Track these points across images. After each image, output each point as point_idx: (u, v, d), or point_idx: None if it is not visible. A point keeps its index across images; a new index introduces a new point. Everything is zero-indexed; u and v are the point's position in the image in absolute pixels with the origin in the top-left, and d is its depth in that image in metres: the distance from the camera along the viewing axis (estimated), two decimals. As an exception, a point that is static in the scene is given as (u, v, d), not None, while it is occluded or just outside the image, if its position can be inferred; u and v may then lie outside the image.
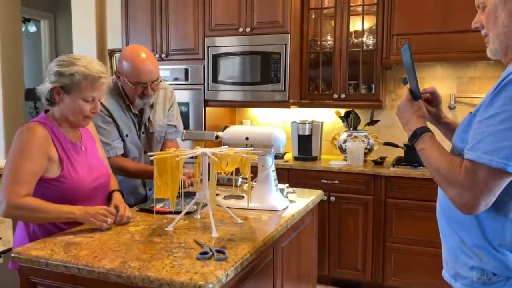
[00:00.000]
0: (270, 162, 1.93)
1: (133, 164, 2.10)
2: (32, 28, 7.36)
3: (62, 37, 6.77)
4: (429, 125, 1.39)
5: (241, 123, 4.00)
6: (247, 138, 1.93)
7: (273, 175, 1.95)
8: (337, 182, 3.20)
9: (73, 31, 4.48)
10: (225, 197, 2.06)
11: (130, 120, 2.13)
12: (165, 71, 3.64)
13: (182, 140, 2.08)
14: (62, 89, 1.65)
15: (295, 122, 3.52)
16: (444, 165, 1.20)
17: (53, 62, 1.68)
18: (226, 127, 3.91)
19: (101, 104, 1.86)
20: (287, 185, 2.19)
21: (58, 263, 1.32)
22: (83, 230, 1.59)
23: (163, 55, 3.66)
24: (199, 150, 1.62)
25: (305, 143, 3.48)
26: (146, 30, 3.71)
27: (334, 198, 3.19)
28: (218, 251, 1.35)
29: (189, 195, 2.09)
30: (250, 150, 1.73)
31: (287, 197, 2.10)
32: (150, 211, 1.85)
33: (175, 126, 2.34)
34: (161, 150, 2.36)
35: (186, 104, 3.60)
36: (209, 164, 1.62)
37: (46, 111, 1.74)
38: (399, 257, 3.08)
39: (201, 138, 2.06)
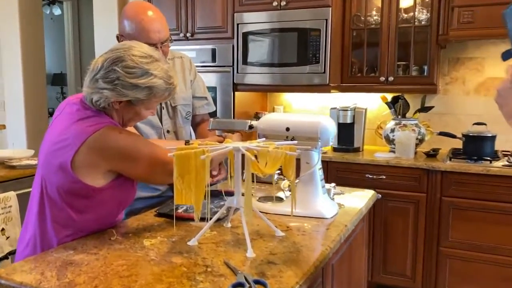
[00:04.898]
0: (316, 158, 1.58)
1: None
2: (57, 11, 7.15)
3: (85, 19, 6.53)
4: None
5: (273, 109, 3.64)
6: (287, 129, 1.57)
7: (319, 174, 1.59)
8: (384, 177, 2.81)
9: (94, 13, 4.20)
10: (260, 199, 1.72)
11: None
12: (190, 51, 3.30)
13: (208, 129, 1.74)
14: (128, 102, 1.33)
15: (334, 108, 3.14)
16: None
17: (113, 66, 1.28)
18: (256, 114, 3.57)
19: None
20: (333, 184, 1.83)
21: (48, 294, 1.01)
22: (88, 242, 1.28)
23: (188, 34, 3.32)
24: (230, 145, 1.27)
25: (346, 132, 3.09)
26: (170, 7, 3.37)
27: (380, 195, 2.80)
28: (256, 282, 1.01)
29: (217, 194, 1.77)
30: (294, 144, 1.38)
31: (333, 198, 1.74)
32: (170, 215, 1.53)
33: (205, 98, 2.05)
34: (196, 129, 2.05)
35: (213, 89, 3.26)
36: (242, 159, 1.28)
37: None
38: (456, 264, 2.69)
39: (232, 127, 1.71)
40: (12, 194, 2.24)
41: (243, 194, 1.30)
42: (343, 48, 3.11)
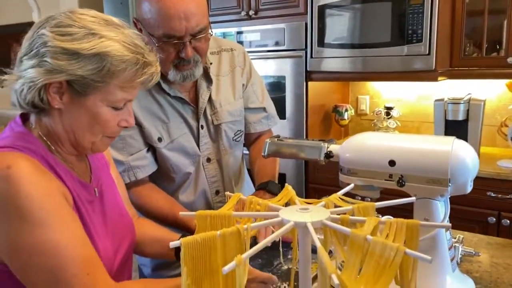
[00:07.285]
0: (442, 213, 0.93)
1: (164, 201, 1.24)
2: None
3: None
4: None
5: (356, 100, 2.96)
6: (392, 163, 0.94)
7: (447, 239, 0.95)
8: (514, 196, 2.06)
9: None
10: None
11: (170, 109, 1.25)
12: (253, 33, 2.72)
13: (263, 156, 1.15)
14: (68, 87, 0.79)
15: (441, 100, 2.39)
16: None
17: (40, 29, 0.79)
18: (336, 107, 2.91)
19: None
20: (461, 237, 1.17)
21: None
22: None
23: (251, 12, 2.72)
24: (290, 220, 0.67)
25: (457, 132, 2.31)
26: (230, -20, 2.80)
27: (508, 221, 2.06)
28: None
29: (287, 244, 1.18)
30: (409, 200, 0.75)
31: (459, 262, 1.09)
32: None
33: (264, 109, 1.43)
34: (250, 149, 1.46)
35: (282, 78, 2.65)
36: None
37: (23, 118, 0.88)
38: None
39: (298, 155, 1.11)
40: None
41: None
42: (454, 21, 2.33)
